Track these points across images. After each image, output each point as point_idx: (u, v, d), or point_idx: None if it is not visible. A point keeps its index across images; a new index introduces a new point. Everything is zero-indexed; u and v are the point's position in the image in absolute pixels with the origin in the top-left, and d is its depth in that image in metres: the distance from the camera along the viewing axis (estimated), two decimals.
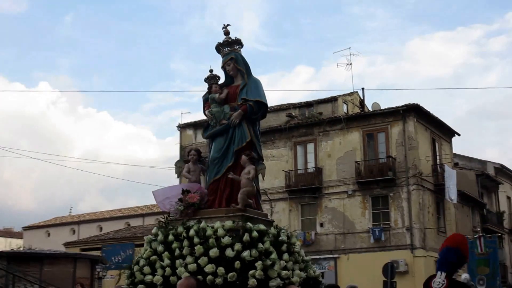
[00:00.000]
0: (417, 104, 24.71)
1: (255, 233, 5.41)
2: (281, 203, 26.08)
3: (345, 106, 27.60)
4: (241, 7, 66.89)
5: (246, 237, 5.31)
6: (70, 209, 49.23)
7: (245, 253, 5.18)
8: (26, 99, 75.88)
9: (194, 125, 29.77)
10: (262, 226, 5.64)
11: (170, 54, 74.51)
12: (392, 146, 25.13)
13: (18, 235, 51.53)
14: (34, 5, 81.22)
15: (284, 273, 5.30)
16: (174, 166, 6.92)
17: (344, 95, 27.40)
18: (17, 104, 78.78)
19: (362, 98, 28.52)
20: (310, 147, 26.63)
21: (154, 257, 5.62)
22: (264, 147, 26.10)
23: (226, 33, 6.66)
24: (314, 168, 26.34)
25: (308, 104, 27.74)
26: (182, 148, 29.37)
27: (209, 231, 5.39)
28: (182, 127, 30.17)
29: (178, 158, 27.30)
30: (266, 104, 6.52)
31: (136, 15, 74.60)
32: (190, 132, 30.07)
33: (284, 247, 5.61)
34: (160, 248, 5.63)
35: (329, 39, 68.57)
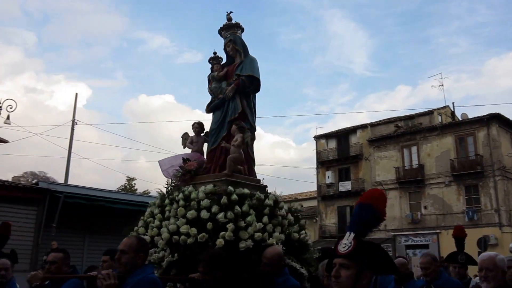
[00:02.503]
0: (498, 113, 29.00)
1: (234, 196, 5.42)
2: (393, 192, 31.76)
3: (439, 117, 32.62)
4: (354, 45, 79.06)
5: (224, 199, 5.33)
6: None
7: (220, 215, 5.19)
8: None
9: (326, 136, 37.14)
10: (245, 190, 5.63)
11: (302, 83, 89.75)
12: (479, 147, 29.08)
13: None
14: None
15: (257, 235, 5.18)
16: (181, 138, 7.08)
17: (438, 108, 32.85)
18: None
19: (452, 110, 33.70)
20: (414, 149, 31.68)
21: (150, 218, 5.84)
22: (378, 151, 33.56)
23: (229, 19, 6.93)
24: (417, 165, 31.33)
25: (410, 117, 33.28)
26: (317, 153, 36.95)
27: (193, 195, 5.47)
28: (317, 138, 37.42)
29: (315, 161, 35.61)
30: (258, 79, 6.64)
31: (277, 57, 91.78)
32: (323, 141, 37.08)
33: (266, 210, 5.59)
34: (156, 211, 5.84)
35: (422, 63, 78.13)
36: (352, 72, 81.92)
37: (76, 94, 35.87)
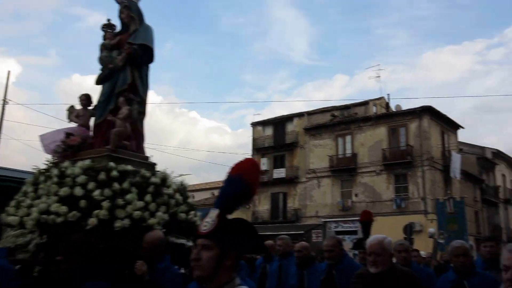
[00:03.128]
0: (430, 106, 29.99)
1: (114, 173, 5.07)
2: (326, 179, 32.45)
3: (374, 107, 33.30)
4: (295, 32, 79.76)
5: (101, 175, 4.98)
6: None
7: (96, 192, 4.81)
8: None
9: (262, 123, 37.03)
10: (128, 167, 5.31)
11: (241, 69, 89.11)
12: (411, 137, 29.96)
13: None
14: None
15: (136, 213, 4.84)
16: (67, 112, 6.54)
17: (374, 99, 33.55)
18: None
19: (387, 101, 34.60)
20: (348, 138, 32.27)
21: (22, 197, 5.33)
22: (313, 139, 33.82)
23: None
24: (351, 153, 31.92)
25: (346, 107, 33.87)
26: (254, 140, 36.79)
27: (69, 171, 5.08)
28: (254, 124, 37.28)
29: (250, 148, 35.37)
30: (152, 48, 6.31)
31: (216, 40, 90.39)
32: (259, 128, 36.96)
33: (151, 189, 5.28)
34: (30, 189, 5.34)
35: (361, 53, 79.92)
36: (291, 59, 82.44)
37: (9, 71, 33.92)
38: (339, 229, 30.55)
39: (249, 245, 1.95)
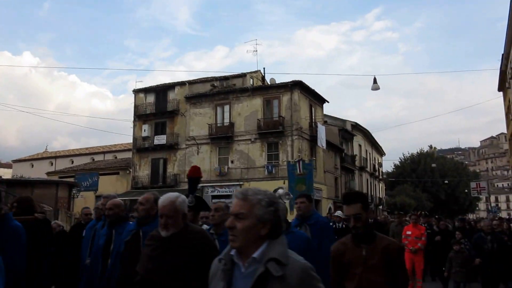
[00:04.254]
0: (300, 80, 32.38)
1: None
2: (205, 146, 34.12)
3: (251, 80, 35.32)
4: (178, 2, 78.33)
5: None
6: (46, 147, 56.90)
7: None
8: (13, 63, 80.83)
9: (144, 90, 37.52)
10: None
11: (124, 34, 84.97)
12: (283, 109, 32.23)
13: (6, 166, 58.42)
14: None
15: None
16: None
17: (251, 72, 35.49)
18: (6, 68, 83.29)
19: (263, 74, 36.85)
20: (227, 108, 33.99)
21: None
22: (194, 107, 35.27)
23: None
24: (228, 123, 33.71)
25: (226, 78, 35.37)
26: (135, 106, 37.14)
27: None
28: (136, 91, 37.53)
29: (132, 114, 35.88)
30: None
31: (98, 4, 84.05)
32: (141, 95, 37.41)
33: None
34: None
35: (241, 27, 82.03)
36: (174, 28, 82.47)
37: None
38: (216, 193, 32.57)
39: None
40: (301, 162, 19.32)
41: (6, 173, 51.47)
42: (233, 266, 2.05)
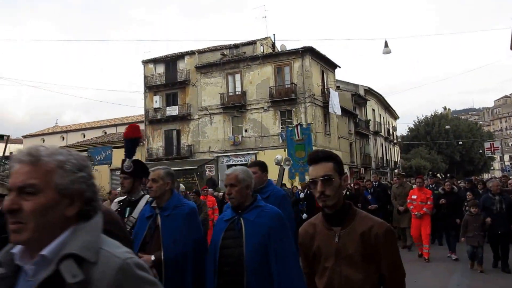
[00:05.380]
0: (311, 46, 31.86)
1: None
2: (218, 116, 33.87)
3: (261, 47, 34.74)
4: None
5: None
6: (56, 121, 57.12)
7: None
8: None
9: (154, 61, 37.04)
10: None
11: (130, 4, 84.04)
12: (294, 76, 31.79)
13: (17, 141, 58.61)
14: None
15: None
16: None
17: (261, 39, 34.85)
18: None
19: (273, 41, 36.18)
20: (238, 76, 33.60)
21: None
22: (205, 77, 34.96)
23: None
24: (240, 91, 33.39)
25: (235, 46, 34.82)
26: (145, 78, 36.93)
27: None
28: (145, 62, 37.08)
29: (142, 85, 35.61)
30: None
31: None
32: (151, 65, 36.94)
33: None
34: None
35: None
36: None
37: None
38: (231, 163, 32.56)
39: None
40: (299, 127, 17.85)
41: (17, 149, 52.16)
42: (18, 271, 1.34)
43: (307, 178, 9.94)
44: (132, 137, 4.76)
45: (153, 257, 3.49)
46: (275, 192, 4.55)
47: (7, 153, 28.07)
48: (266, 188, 4.48)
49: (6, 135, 21.82)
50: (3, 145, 21.67)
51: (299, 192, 12.34)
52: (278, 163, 8.87)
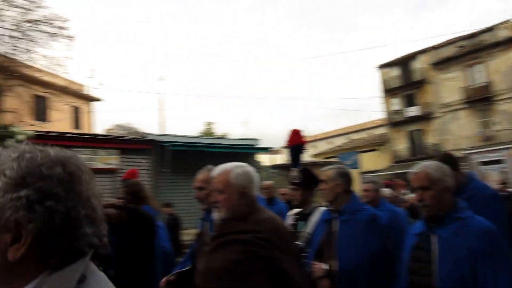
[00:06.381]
0: None
1: None
2: (461, 112, 32.36)
3: (502, 31, 30.90)
4: None
5: None
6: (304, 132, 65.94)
7: None
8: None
9: (388, 64, 37.77)
10: None
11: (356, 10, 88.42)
12: None
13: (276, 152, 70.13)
14: None
15: None
16: None
17: (500, 23, 31.19)
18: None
19: None
20: (478, 67, 31.42)
21: None
22: (441, 73, 33.82)
23: None
24: (484, 82, 31.14)
25: (471, 36, 32.20)
26: (382, 82, 37.90)
27: None
28: (381, 67, 38.07)
29: (379, 90, 36.50)
30: None
31: None
32: (386, 69, 37.70)
33: None
34: None
35: None
36: None
37: None
38: (483, 159, 30.69)
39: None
40: None
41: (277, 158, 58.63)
42: None
43: None
44: (295, 144, 4.32)
45: (326, 266, 3.14)
46: (481, 190, 3.42)
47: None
48: (467, 186, 3.39)
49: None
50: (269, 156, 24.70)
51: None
52: None
